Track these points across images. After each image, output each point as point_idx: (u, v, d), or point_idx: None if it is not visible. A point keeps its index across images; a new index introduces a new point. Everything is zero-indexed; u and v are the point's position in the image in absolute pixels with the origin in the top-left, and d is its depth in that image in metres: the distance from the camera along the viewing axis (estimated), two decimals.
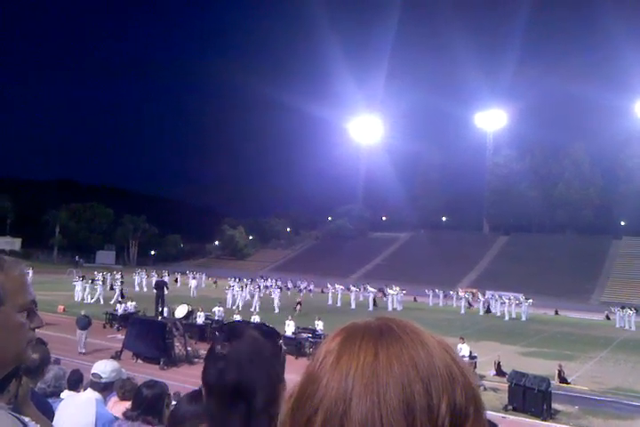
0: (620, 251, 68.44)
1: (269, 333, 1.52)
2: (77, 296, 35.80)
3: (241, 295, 38.12)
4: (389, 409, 0.57)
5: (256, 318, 23.65)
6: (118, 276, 41.36)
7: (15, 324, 1.21)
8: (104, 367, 3.94)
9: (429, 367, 0.61)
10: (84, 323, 18.94)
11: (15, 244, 77.88)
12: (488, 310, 43.02)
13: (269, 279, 54.71)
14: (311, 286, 54.73)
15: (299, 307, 33.23)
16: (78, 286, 36.53)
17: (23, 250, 77.05)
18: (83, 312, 20.24)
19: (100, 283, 37.26)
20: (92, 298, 35.25)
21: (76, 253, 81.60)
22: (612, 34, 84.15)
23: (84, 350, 18.40)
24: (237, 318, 23.82)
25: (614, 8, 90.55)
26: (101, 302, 33.85)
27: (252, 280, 48.63)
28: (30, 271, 43.71)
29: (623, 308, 39.05)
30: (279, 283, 48.99)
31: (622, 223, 75.94)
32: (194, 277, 49.07)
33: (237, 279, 44.80)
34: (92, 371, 3.92)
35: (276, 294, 38.06)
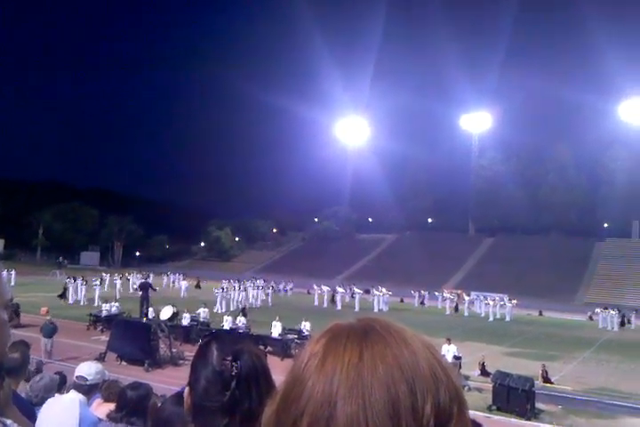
0: (604, 252, 69.23)
1: (255, 340, 1.53)
2: (72, 298, 35.49)
3: (243, 297, 38.57)
4: (374, 411, 0.57)
5: (241, 320, 23.61)
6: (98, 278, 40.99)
7: (1, 321, 1.22)
8: (88, 369, 3.91)
9: (414, 368, 0.61)
10: (49, 330, 17.57)
11: None
12: (456, 309, 43.45)
13: (259, 280, 54.71)
14: (288, 287, 54.72)
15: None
16: (71, 288, 36.23)
17: (6, 251, 76.27)
18: (49, 318, 19.02)
19: (98, 283, 37.09)
20: (87, 299, 34.95)
21: (59, 254, 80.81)
22: (595, 36, 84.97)
23: (49, 360, 16.85)
24: (227, 319, 23.78)
25: (598, 11, 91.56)
26: (96, 302, 33.34)
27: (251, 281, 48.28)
28: (13, 273, 43.36)
29: (606, 308, 39.48)
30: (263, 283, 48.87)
31: (605, 225, 76.81)
32: (184, 279, 49.00)
33: (237, 281, 44.82)
34: (76, 373, 3.89)
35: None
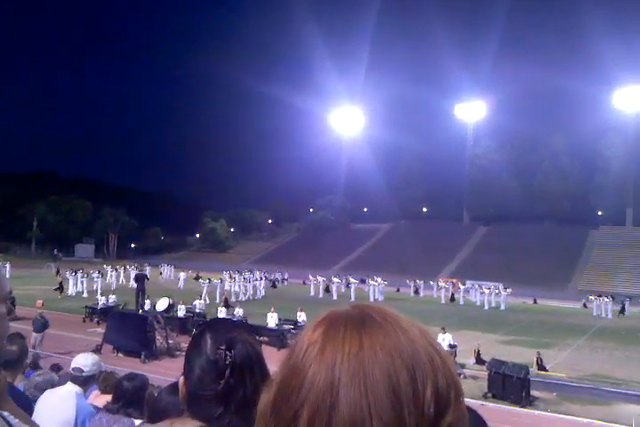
0: (597, 240, 69.53)
1: (249, 329, 1.53)
2: (72, 290, 35.42)
3: (246, 287, 38.82)
4: (377, 399, 0.57)
5: (239, 312, 23.63)
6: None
7: (1, 315, 1.23)
8: (85, 361, 3.90)
9: (413, 355, 0.61)
10: (40, 325, 16.92)
11: None
12: (452, 299, 43.56)
13: (259, 271, 54.74)
14: (279, 277, 54.71)
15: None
16: (72, 280, 36.21)
17: (0, 244, 75.96)
18: (40, 312, 18.27)
19: (100, 276, 37.24)
20: (87, 291, 34.79)
21: (54, 246, 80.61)
22: (590, 25, 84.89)
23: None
24: (222, 310, 23.81)
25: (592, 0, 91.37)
26: (98, 294, 33.09)
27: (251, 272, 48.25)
28: (8, 265, 43.29)
29: (600, 296, 39.64)
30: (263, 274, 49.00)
31: (599, 213, 77.12)
32: (183, 270, 48.82)
33: (238, 272, 44.85)
34: (73, 365, 3.89)
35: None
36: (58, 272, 48.66)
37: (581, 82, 76.63)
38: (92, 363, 3.90)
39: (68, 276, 36.84)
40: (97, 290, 33.69)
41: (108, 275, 42.30)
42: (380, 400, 0.57)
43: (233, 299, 34.60)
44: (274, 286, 49.38)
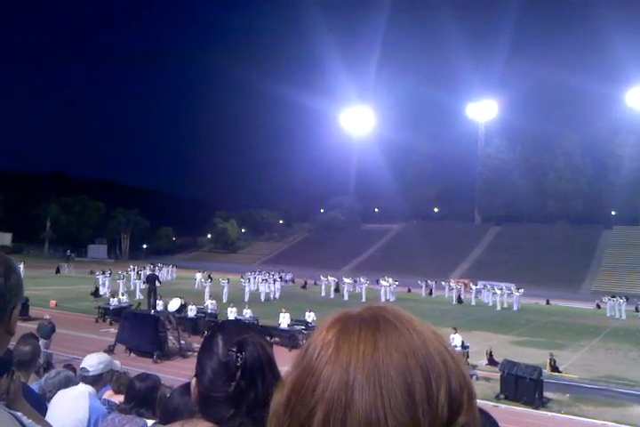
0: (611, 240, 68.99)
1: (261, 330, 1.52)
2: (103, 290, 35.45)
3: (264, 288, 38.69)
4: (392, 400, 0.58)
5: (248, 312, 23.67)
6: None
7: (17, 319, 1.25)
8: (90, 361, 3.91)
9: (427, 356, 0.62)
10: (46, 331, 15.72)
11: (5, 238, 77.43)
12: (459, 300, 43.15)
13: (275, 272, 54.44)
14: (286, 277, 54.45)
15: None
16: (107, 281, 36.62)
17: (14, 244, 76.61)
18: (47, 317, 17.10)
19: (140, 278, 37.47)
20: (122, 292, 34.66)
21: (67, 247, 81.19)
22: (602, 23, 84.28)
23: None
24: (232, 310, 23.84)
25: None
26: (137, 296, 32.98)
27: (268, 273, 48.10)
28: (21, 266, 43.65)
29: (614, 297, 39.30)
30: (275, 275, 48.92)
31: (613, 213, 76.46)
32: (198, 271, 48.65)
33: (260, 273, 44.93)
34: (81, 365, 3.91)
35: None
36: (58, 271, 50.26)
37: (594, 81, 76.15)
38: (97, 362, 3.90)
39: (99, 276, 37.28)
40: (136, 291, 34.10)
41: (133, 276, 42.20)
42: (396, 401, 0.58)
43: (247, 299, 34.55)
44: (304, 286, 49.78)
